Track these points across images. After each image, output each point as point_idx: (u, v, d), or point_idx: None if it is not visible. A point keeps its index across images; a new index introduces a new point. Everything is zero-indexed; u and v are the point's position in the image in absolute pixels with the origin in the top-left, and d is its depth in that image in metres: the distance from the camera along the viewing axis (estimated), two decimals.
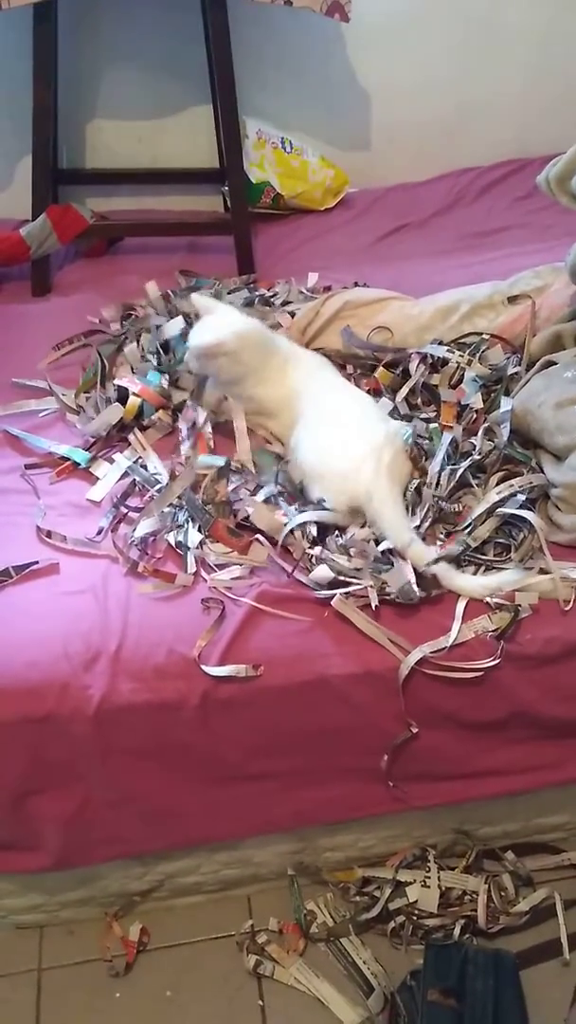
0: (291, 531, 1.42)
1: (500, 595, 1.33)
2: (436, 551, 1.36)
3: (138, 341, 1.83)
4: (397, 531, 1.38)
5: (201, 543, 1.43)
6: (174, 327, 1.79)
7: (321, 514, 1.42)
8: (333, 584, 1.34)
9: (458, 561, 1.39)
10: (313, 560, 1.38)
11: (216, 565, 1.40)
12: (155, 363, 1.77)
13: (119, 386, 1.69)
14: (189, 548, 1.41)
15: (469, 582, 1.35)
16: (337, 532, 1.43)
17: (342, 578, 1.35)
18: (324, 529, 1.43)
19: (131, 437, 1.64)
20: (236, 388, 1.63)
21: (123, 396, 1.68)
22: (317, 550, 1.39)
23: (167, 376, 1.72)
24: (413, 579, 1.32)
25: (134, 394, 1.67)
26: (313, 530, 1.42)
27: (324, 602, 1.33)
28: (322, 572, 1.34)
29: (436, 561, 1.34)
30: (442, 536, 1.43)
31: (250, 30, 2.26)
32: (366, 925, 1.51)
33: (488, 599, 1.33)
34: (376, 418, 1.54)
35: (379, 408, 1.59)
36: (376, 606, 1.32)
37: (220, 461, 1.53)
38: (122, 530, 1.47)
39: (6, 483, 1.58)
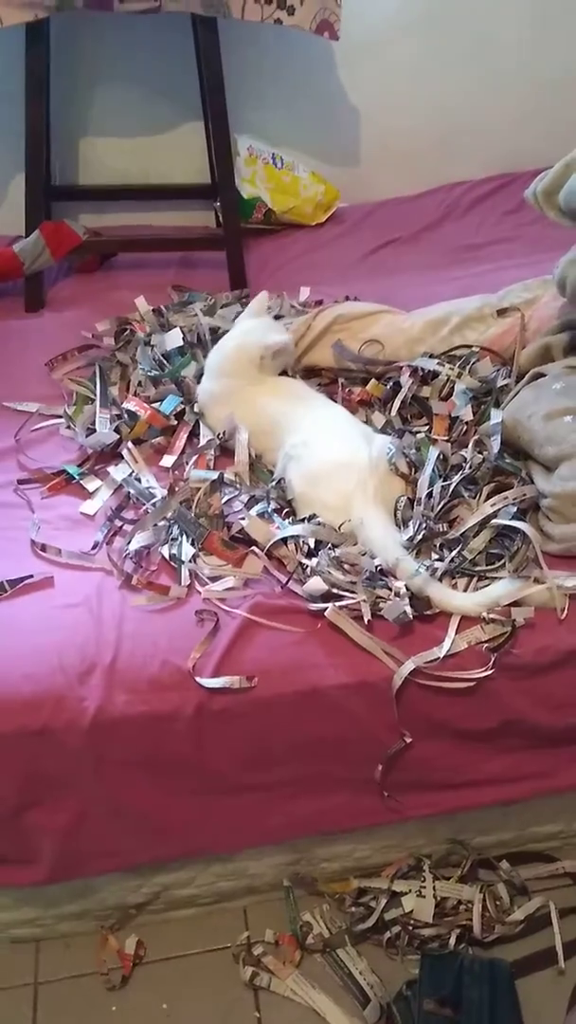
0: (285, 543, 1.43)
1: (497, 610, 1.34)
2: (422, 566, 1.36)
3: (133, 359, 1.85)
4: (387, 551, 1.38)
5: (195, 556, 1.43)
6: (174, 339, 1.81)
7: (314, 529, 1.44)
8: (326, 596, 1.35)
9: (451, 573, 1.40)
10: (307, 572, 1.39)
11: (210, 577, 1.41)
12: (156, 374, 1.79)
13: (127, 410, 1.70)
14: (183, 562, 1.42)
15: (465, 601, 1.35)
16: (331, 545, 1.44)
17: (335, 591, 1.36)
18: (318, 542, 1.44)
19: (124, 452, 1.65)
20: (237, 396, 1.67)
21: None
22: (313, 562, 1.40)
23: (183, 398, 1.74)
24: (408, 608, 1.32)
25: (142, 421, 1.68)
26: (311, 542, 1.43)
27: (318, 614, 1.34)
28: (315, 584, 1.35)
29: (418, 572, 1.34)
30: (437, 552, 1.43)
31: (241, 48, 2.28)
32: (362, 936, 1.51)
33: (485, 615, 1.34)
34: (359, 443, 1.54)
35: (362, 429, 1.60)
36: (369, 620, 1.32)
37: (213, 475, 1.55)
38: (116, 544, 1.48)
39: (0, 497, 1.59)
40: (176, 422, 1.72)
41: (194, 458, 1.62)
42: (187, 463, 1.63)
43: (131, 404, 1.70)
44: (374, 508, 1.44)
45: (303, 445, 1.55)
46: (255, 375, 1.67)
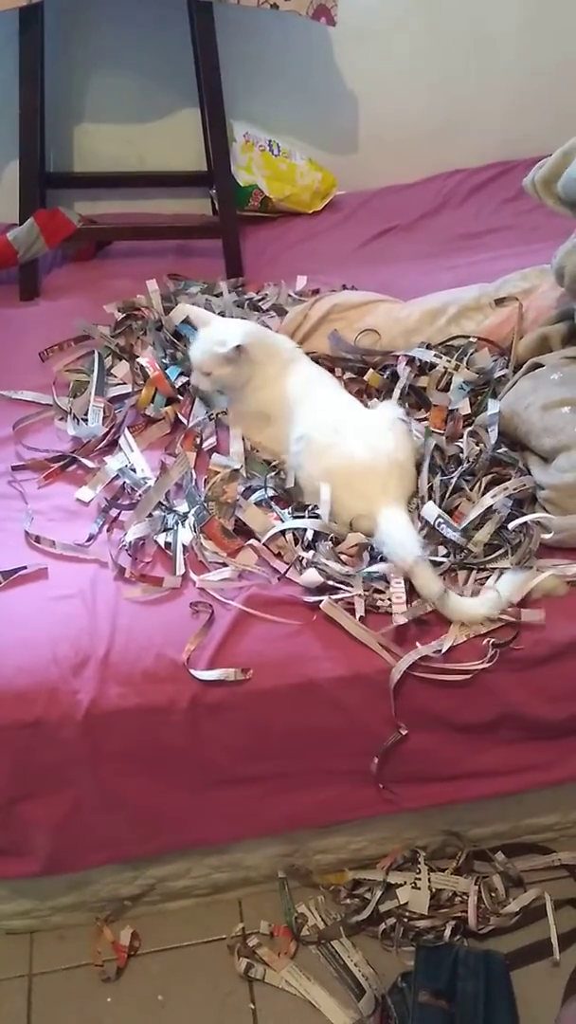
0: (283, 535, 1.42)
1: (508, 611, 1.32)
2: (441, 583, 1.32)
3: (140, 340, 1.86)
4: (406, 553, 1.33)
5: (194, 540, 1.42)
6: (180, 313, 1.81)
7: (314, 522, 1.42)
8: (322, 588, 1.34)
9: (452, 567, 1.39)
10: (303, 563, 1.38)
11: (211, 561, 1.40)
12: (169, 357, 1.79)
13: (141, 365, 1.72)
14: (178, 551, 1.41)
15: (480, 608, 1.32)
16: (330, 537, 1.42)
17: (331, 583, 1.35)
18: (317, 534, 1.43)
19: (121, 440, 1.64)
20: (240, 392, 1.62)
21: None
22: (309, 554, 1.39)
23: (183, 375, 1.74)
24: (404, 618, 1.29)
25: (147, 383, 1.69)
26: (309, 534, 1.42)
27: (313, 606, 1.33)
28: (311, 576, 1.34)
29: (444, 593, 1.31)
30: (443, 547, 1.41)
31: (237, 33, 2.26)
32: (357, 927, 1.51)
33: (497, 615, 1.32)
34: (379, 434, 1.50)
35: (380, 421, 1.54)
36: (362, 616, 1.32)
37: (235, 463, 1.53)
38: (112, 535, 1.47)
39: None
40: (181, 397, 1.71)
41: (181, 436, 1.63)
42: (178, 440, 1.63)
43: (144, 360, 1.71)
44: (395, 509, 1.42)
45: (320, 433, 1.50)
46: (266, 352, 1.62)
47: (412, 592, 1.33)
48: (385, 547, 1.37)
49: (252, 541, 1.43)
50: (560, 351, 1.64)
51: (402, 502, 1.45)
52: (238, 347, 1.53)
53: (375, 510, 1.41)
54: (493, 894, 1.53)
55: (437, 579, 1.32)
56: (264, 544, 1.41)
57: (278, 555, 1.42)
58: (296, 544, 1.42)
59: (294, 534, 1.43)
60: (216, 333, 1.60)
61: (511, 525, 1.41)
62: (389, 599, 1.32)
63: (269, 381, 1.60)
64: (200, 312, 1.70)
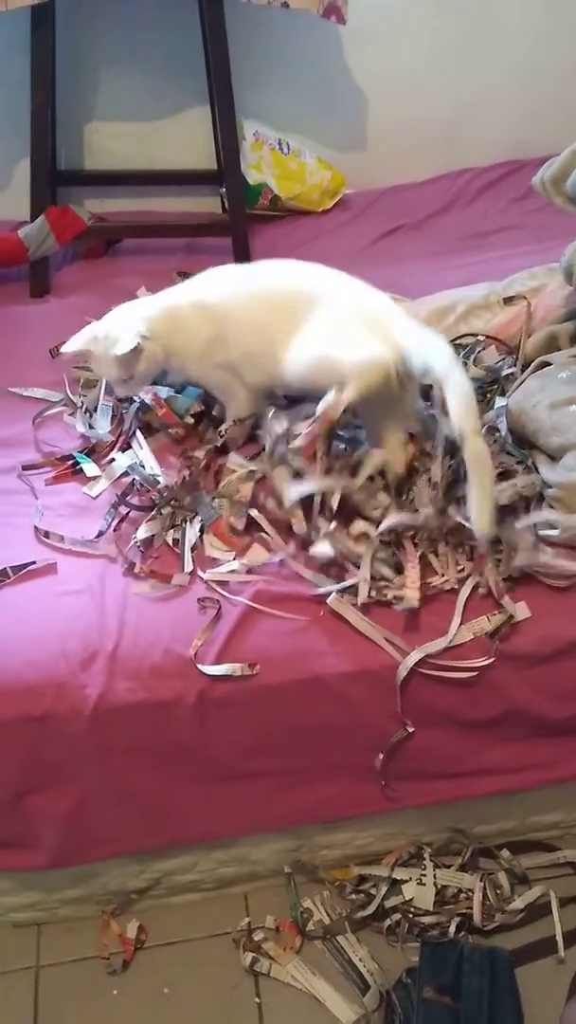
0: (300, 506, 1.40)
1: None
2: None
3: None
4: (442, 356, 1.33)
5: (201, 536, 1.43)
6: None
7: (333, 484, 1.38)
8: (329, 571, 1.35)
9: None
10: (321, 535, 1.36)
11: (213, 558, 1.40)
12: None
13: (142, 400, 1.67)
14: (186, 548, 1.42)
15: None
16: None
17: (341, 559, 1.35)
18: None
19: (133, 442, 1.64)
20: (185, 370, 1.58)
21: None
22: (331, 525, 1.36)
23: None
24: (415, 602, 1.30)
25: (154, 413, 1.65)
26: (334, 503, 1.38)
27: (320, 601, 1.34)
28: (323, 548, 1.34)
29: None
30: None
31: (247, 31, 2.27)
32: (362, 923, 1.52)
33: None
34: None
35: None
36: (366, 601, 1.32)
37: (252, 466, 1.51)
38: (120, 530, 1.48)
39: (3, 484, 1.58)
40: (194, 418, 1.68)
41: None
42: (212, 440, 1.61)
43: (147, 396, 1.66)
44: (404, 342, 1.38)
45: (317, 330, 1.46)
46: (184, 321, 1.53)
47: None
48: (415, 360, 1.35)
49: (262, 533, 1.43)
50: (568, 349, 1.65)
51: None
52: (136, 348, 1.46)
53: (381, 351, 1.37)
54: (498, 891, 1.54)
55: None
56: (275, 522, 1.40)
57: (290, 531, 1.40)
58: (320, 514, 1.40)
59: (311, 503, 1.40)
60: (105, 342, 1.49)
61: (518, 525, 1.41)
62: (396, 584, 1.32)
63: (202, 338, 1.53)
64: (80, 335, 1.55)
